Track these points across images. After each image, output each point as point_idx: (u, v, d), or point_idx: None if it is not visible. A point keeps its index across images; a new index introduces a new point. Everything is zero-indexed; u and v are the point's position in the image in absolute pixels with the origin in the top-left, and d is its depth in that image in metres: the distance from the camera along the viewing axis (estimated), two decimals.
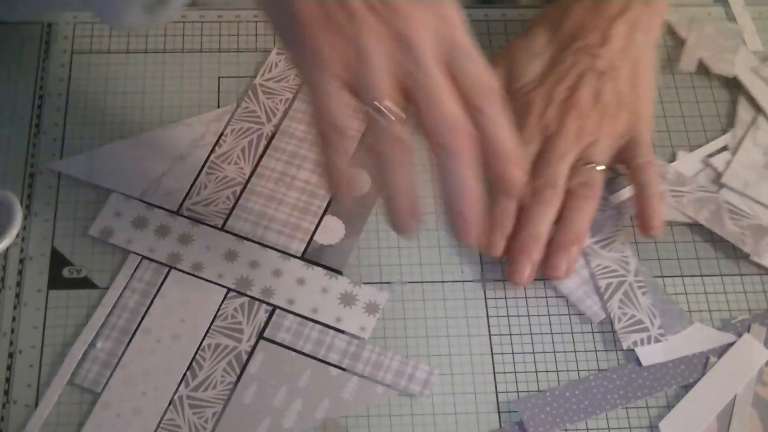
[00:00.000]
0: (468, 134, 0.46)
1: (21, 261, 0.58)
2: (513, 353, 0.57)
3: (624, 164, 0.60)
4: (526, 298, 0.59)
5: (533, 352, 0.57)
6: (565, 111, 0.59)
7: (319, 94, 0.46)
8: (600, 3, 0.62)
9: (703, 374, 0.56)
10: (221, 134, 0.63)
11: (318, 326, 0.57)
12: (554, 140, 0.58)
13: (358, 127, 0.47)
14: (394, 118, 0.45)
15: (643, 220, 0.58)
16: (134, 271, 0.58)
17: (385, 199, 0.47)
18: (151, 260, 0.58)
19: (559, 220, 0.58)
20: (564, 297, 0.59)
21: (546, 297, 0.59)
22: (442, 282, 0.59)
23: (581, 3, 0.62)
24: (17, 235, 0.59)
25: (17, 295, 0.57)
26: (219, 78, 0.65)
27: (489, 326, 0.58)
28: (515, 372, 0.56)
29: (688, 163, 0.63)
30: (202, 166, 0.61)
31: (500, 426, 0.55)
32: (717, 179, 0.63)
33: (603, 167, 0.58)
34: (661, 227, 0.58)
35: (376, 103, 0.45)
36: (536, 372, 0.57)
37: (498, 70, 0.61)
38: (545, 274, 0.58)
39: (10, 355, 0.55)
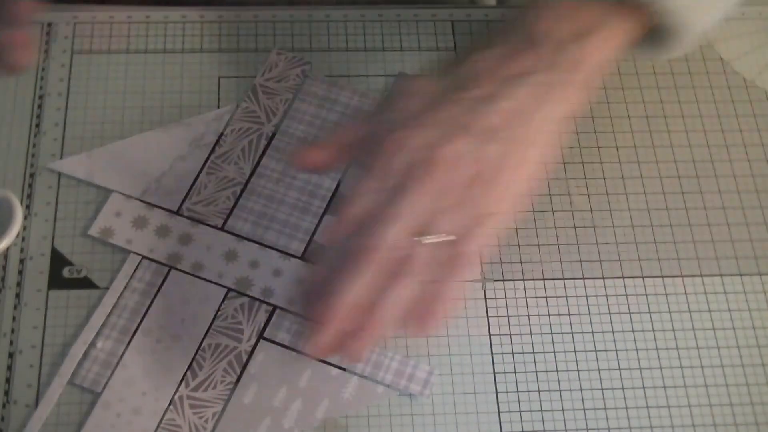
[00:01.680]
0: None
1: (21, 261, 0.58)
2: (513, 353, 0.57)
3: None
4: (525, 298, 0.59)
5: (533, 352, 0.57)
6: (422, 165, 0.49)
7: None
8: (503, 60, 0.52)
9: None
10: (221, 134, 0.63)
11: None
12: (396, 197, 0.48)
13: None
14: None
15: (416, 314, 0.49)
16: (134, 271, 0.58)
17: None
18: (151, 260, 0.58)
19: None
20: (564, 297, 0.59)
21: (546, 297, 0.59)
22: None
23: (487, 50, 0.52)
24: (17, 235, 0.59)
25: (17, 295, 0.57)
26: (219, 78, 0.65)
27: (489, 326, 0.58)
28: (515, 372, 0.56)
29: None
30: (202, 166, 0.61)
31: (500, 426, 0.55)
32: None
33: (449, 237, 0.49)
34: (431, 330, 0.49)
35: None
36: (536, 372, 0.57)
37: (387, 100, 0.54)
38: (338, 353, 0.49)
39: (11, 355, 0.55)
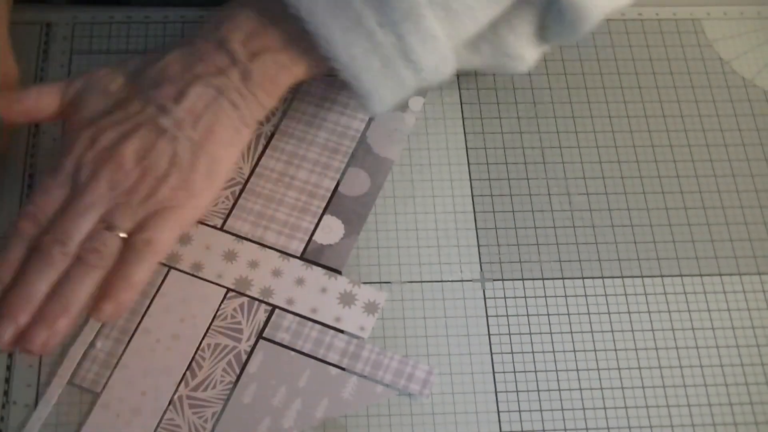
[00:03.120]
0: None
1: None
2: (512, 353, 0.57)
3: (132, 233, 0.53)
4: (525, 298, 0.59)
5: (533, 352, 0.57)
6: (104, 161, 0.52)
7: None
8: (193, 60, 0.55)
9: None
10: None
11: (317, 326, 0.57)
12: (81, 192, 0.52)
13: None
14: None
15: (99, 295, 0.52)
16: None
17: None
18: None
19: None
20: (563, 297, 0.59)
21: (545, 296, 0.59)
22: (441, 282, 0.59)
23: (178, 52, 0.56)
24: None
25: None
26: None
27: (488, 326, 0.58)
28: (515, 372, 0.57)
29: None
30: None
31: (500, 426, 0.55)
32: None
33: (124, 235, 0.52)
34: (113, 315, 0.52)
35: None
36: (536, 372, 0.57)
37: (68, 87, 0.56)
38: (18, 345, 0.51)
39: (10, 355, 0.55)
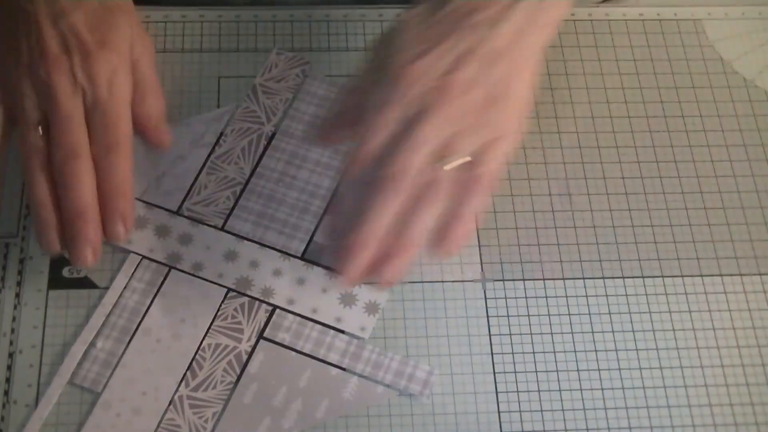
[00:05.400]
0: (81, 162, 0.55)
1: (21, 261, 0.58)
2: (513, 353, 0.57)
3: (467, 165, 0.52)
4: (526, 298, 0.59)
5: (533, 352, 0.57)
6: (435, 93, 0.51)
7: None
8: None
9: None
10: (221, 134, 0.63)
11: (318, 326, 0.57)
12: (414, 125, 0.51)
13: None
14: (34, 135, 0.56)
15: (439, 236, 0.52)
16: (134, 271, 0.58)
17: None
18: (151, 260, 0.58)
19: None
20: (564, 297, 0.59)
21: (546, 297, 0.59)
22: (442, 282, 0.59)
23: None
24: (17, 235, 0.59)
25: (17, 295, 0.57)
26: (219, 78, 0.65)
27: (489, 326, 0.58)
28: (515, 372, 0.56)
29: None
30: (202, 166, 0.61)
31: (500, 426, 0.55)
32: None
33: (465, 159, 0.51)
34: (455, 251, 0.52)
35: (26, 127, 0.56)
36: (536, 372, 0.57)
37: (379, 46, 0.54)
38: (371, 276, 0.51)
39: (10, 355, 0.55)
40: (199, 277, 0.58)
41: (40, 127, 0.56)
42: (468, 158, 0.51)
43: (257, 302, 0.57)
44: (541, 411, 0.56)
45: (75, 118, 0.56)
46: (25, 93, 0.57)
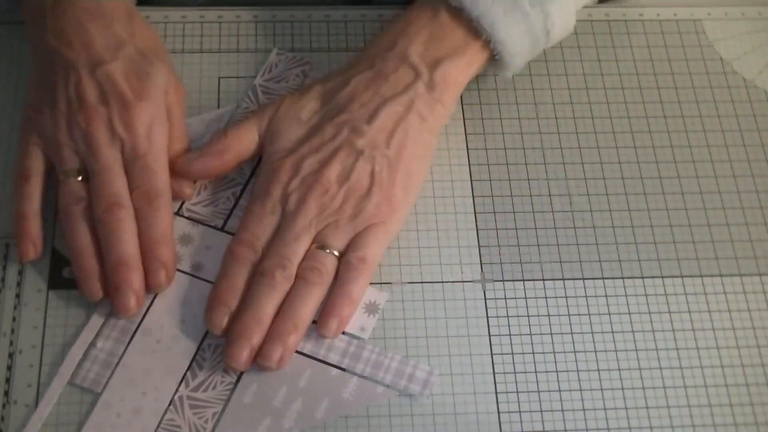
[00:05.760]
0: (124, 212, 0.55)
1: (21, 261, 0.58)
2: (513, 354, 0.57)
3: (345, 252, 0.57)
4: (525, 298, 0.59)
5: (533, 353, 0.57)
6: (310, 186, 0.56)
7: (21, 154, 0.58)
8: (378, 81, 0.59)
9: None
10: None
11: None
12: (293, 217, 0.56)
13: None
14: (74, 183, 0.57)
15: (323, 313, 0.55)
16: None
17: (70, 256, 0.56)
18: None
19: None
20: (564, 297, 0.59)
21: (546, 297, 0.59)
22: (442, 282, 0.59)
23: (362, 75, 0.59)
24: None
25: (17, 295, 0.57)
26: (219, 78, 0.65)
27: (489, 326, 0.58)
28: (515, 372, 0.57)
29: None
30: None
31: (500, 426, 0.55)
32: None
33: (337, 253, 0.56)
34: (333, 333, 0.55)
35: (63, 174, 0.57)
36: (536, 372, 0.57)
37: (261, 122, 0.60)
38: (256, 362, 0.54)
39: (11, 355, 0.55)
40: (199, 277, 0.58)
41: (80, 177, 0.57)
42: (338, 252, 0.56)
43: None
44: (541, 411, 0.56)
45: (115, 168, 0.56)
46: (63, 142, 0.57)
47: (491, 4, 0.58)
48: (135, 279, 0.55)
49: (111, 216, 0.55)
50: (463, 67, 0.60)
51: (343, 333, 0.57)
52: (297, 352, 0.56)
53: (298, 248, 0.55)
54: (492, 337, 0.57)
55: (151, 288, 0.56)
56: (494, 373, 0.56)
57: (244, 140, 0.59)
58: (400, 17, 0.61)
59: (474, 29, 0.59)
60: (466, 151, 0.64)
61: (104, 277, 0.55)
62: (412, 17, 0.60)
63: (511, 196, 0.62)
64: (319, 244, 0.56)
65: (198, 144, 0.62)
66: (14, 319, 0.56)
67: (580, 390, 0.56)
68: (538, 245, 0.60)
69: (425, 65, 0.59)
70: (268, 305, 0.54)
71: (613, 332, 0.58)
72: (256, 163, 0.62)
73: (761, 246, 0.62)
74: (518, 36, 0.59)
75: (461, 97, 0.65)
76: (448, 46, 0.59)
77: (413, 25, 0.60)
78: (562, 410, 0.56)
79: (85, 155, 0.57)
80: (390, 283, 0.59)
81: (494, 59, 0.61)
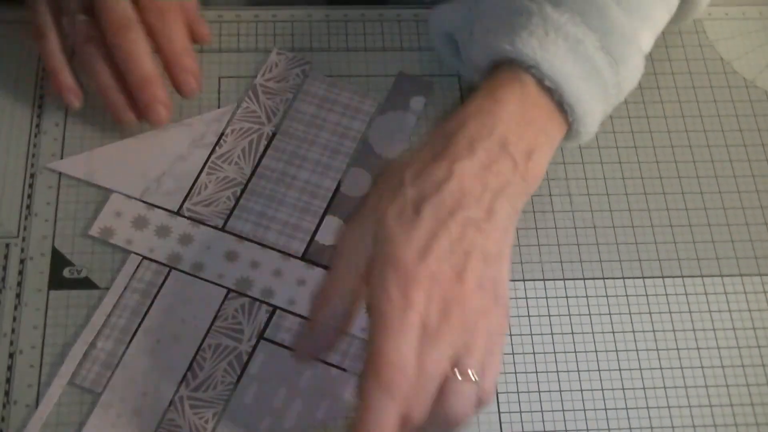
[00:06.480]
0: (134, 32, 0.58)
1: (21, 261, 0.58)
2: (513, 354, 0.57)
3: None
4: (526, 298, 0.59)
5: (533, 353, 0.57)
6: (451, 302, 0.46)
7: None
8: (486, 170, 0.50)
9: None
10: (222, 134, 0.63)
11: None
12: (436, 337, 0.46)
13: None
14: (82, 21, 0.59)
15: None
16: (134, 272, 0.58)
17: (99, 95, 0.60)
18: (152, 260, 0.58)
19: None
20: (564, 297, 0.59)
21: (546, 297, 0.59)
22: None
23: (466, 164, 0.49)
24: (17, 235, 0.59)
25: (17, 295, 0.57)
26: (219, 78, 0.65)
27: None
28: (515, 372, 0.56)
29: None
30: (203, 167, 0.61)
31: (500, 426, 0.55)
32: None
33: (476, 378, 0.47)
34: None
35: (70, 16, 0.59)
36: (536, 372, 0.57)
37: (359, 229, 0.49)
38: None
39: (11, 355, 0.55)
40: (199, 277, 0.58)
41: (84, 16, 0.59)
42: (476, 379, 0.47)
43: (258, 303, 0.57)
44: (541, 411, 0.56)
45: None
46: None
47: (584, 82, 0.53)
48: (160, 92, 0.59)
49: (123, 38, 0.58)
50: (550, 154, 0.54)
51: None
52: None
53: (440, 374, 0.46)
54: None
55: (185, 95, 0.61)
56: None
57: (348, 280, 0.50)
58: (487, 93, 0.53)
59: (557, 104, 0.53)
60: None
61: (133, 101, 0.59)
62: (502, 97, 0.52)
63: None
64: (457, 366, 0.47)
65: (199, 144, 0.62)
66: (14, 319, 0.56)
67: (581, 390, 0.56)
68: (539, 245, 0.60)
69: (520, 154, 0.51)
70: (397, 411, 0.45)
71: (613, 332, 0.58)
72: (257, 162, 0.62)
73: (761, 246, 0.62)
74: (599, 114, 0.55)
75: (460, 95, 0.65)
76: (537, 129, 0.53)
77: (505, 107, 0.52)
78: (563, 410, 0.56)
79: None
80: None
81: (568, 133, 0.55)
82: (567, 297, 0.59)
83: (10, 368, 0.55)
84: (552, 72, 0.52)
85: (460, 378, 0.46)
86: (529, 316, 0.58)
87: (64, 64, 0.60)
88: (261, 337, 0.56)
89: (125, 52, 0.58)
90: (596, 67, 0.54)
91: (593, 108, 0.54)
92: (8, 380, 0.55)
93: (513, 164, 0.51)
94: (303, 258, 0.59)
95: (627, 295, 0.59)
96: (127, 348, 0.56)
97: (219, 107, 0.64)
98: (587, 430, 0.55)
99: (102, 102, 0.60)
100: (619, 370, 0.57)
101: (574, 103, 0.53)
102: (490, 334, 0.48)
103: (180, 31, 0.60)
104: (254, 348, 0.56)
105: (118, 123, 0.60)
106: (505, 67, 0.54)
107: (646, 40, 0.57)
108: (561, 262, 0.60)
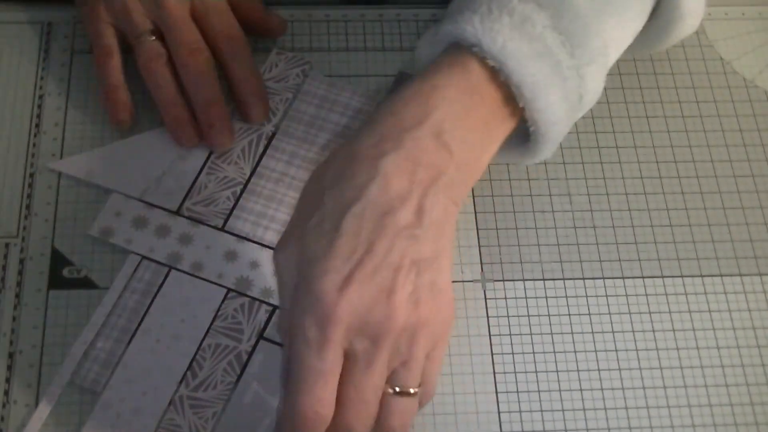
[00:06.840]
0: (203, 56, 0.60)
1: (21, 261, 0.58)
2: (513, 353, 0.57)
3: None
4: (525, 298, 0.59)
5: (533, 353, 0.57)
6: (380, 327, 0.44)
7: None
8: (416, 164, 0.46)
9: None
10: None
11: None
12: (366, 367, 0.44)
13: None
14: (151, 41, 0.61)
15: None
16: (134, 271, 0.58)
17: (160, 109, 0.61)
18: (151, 260, 0.58)
19: None
20: (564, 297, 0.59)
21: (546, 297, 0.59)
22: None
23: (391, 159, 0.46)
24: (17, 235, 0.59)
25: (17, 295, 0.57)
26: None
27: (489, 327, 0.58)
28: (515, 372, 0.56)
29: None
30: (202, 166, 0.61)
31: (500, 426, 0.55)
32: None
33: (415, 390, 0.46)
34: None
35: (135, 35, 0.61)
36: (536, 372, 0.57)
37: (286, 251, 0.47)
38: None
39: (11, 355, 0.55)
40: (199, 277, 0.58)
41: (153, 37, 0.61)
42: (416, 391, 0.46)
43: (257, 302, 0.57)
44: (541, 411, 0.56)
45: (187, 18, 0.61)
46: (131, 7, 0.61)
47: (532, 61, 0.49)
48: (225, 116, 0.60)
49: (194, 59, 0.60)
50: (492, 143, 0.51)
51: None
52: None
53: (375, 399, 0.46)
54: (492, 337, 0.57)
55: (251, 121, 0.62)
56: (494, 373, 0.56)
57: None
58: (424, 77, 0.49)
59: (509, 93, 0.50)
60: None
61: (195, 121, 0.61)
62: (440, 81, 0.49)
63: (511, 195, 0.62)
64: (393, 386, 0.46)
65: (199, 144, 0.62)
66: (14, 319, 0.56)
67: (581, 390, 0.56)
68: (539, 245, 0.60)
69: (457, 142, 0.47)
70: None
71: (613, 332, 0.58)
72: (257, 162, 0.62)
73: (761, 246, 0.62)
74: (557, 104, 0.50)
75: None
76: (479, 116, 0.49)
77: (443, 92, 0.48)
78: (563, 410, 0.56)
79: (156, 15, 0.60)
80: None
81: (522, 132, 0.52)
82: (567, 297, 0.59)
83: (10, 368, 0.55)
84: (494, 49, 0.48)
85: (400, 397, 0.46)
86: (528, 315, 0.58)
87: (122, 82, 0.62)
88: (261, 336, 0.56)
89: (196, 73, 0.60)
90: (547, 46, 0.49)
91: (546, 91, 0.49)
92: (8, 380, 0.55)
93: (448, 154, 0.47)
94: None
95: (627, 295, 0.59)
96: (126, 348, 0.56)
97: None
98: (587, 429, 0.55)
99: (162, 117, 0.61)
100: (619, 369, 0.57)
101: (520, 83, 0.49)
102: (433, 339, 0.46)
103: (249, 56, 0.62)
104: (254, 348, 0.56)
105: (177, 140, 0.61)
106: (450, 50, 0.50)
107: (611, 27, 0.53)
108: (561, 261, 0.60)
